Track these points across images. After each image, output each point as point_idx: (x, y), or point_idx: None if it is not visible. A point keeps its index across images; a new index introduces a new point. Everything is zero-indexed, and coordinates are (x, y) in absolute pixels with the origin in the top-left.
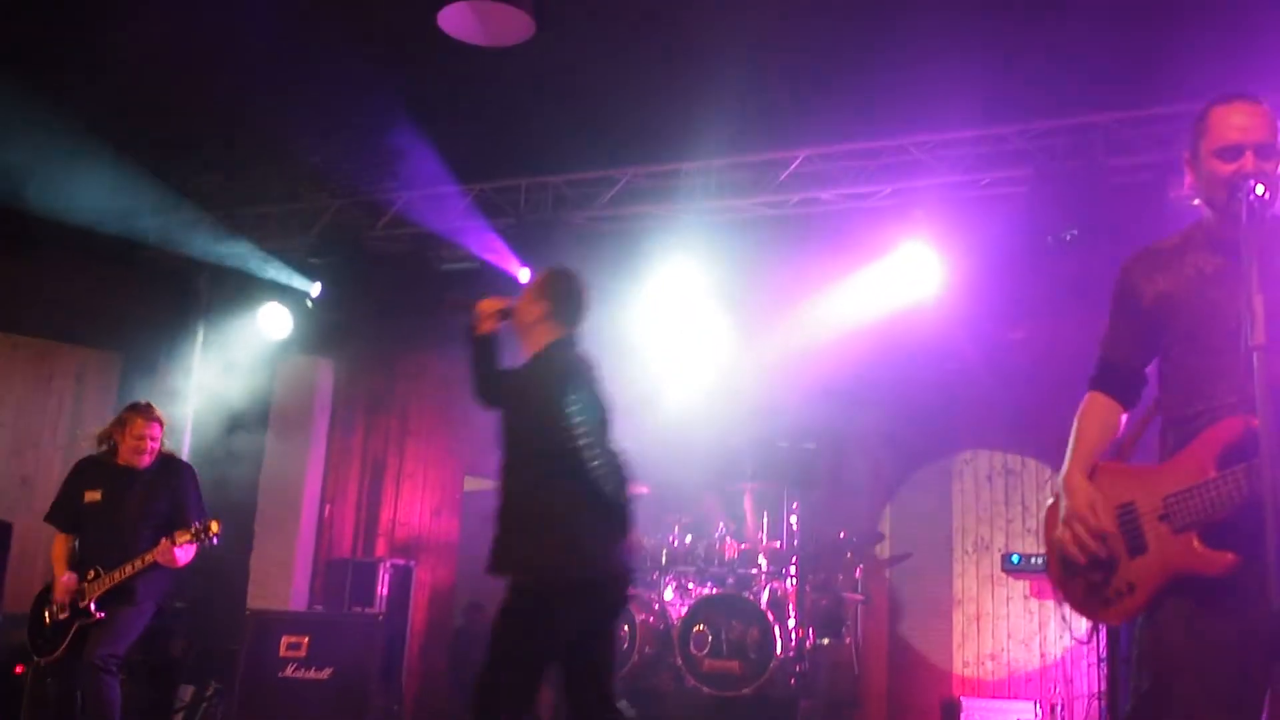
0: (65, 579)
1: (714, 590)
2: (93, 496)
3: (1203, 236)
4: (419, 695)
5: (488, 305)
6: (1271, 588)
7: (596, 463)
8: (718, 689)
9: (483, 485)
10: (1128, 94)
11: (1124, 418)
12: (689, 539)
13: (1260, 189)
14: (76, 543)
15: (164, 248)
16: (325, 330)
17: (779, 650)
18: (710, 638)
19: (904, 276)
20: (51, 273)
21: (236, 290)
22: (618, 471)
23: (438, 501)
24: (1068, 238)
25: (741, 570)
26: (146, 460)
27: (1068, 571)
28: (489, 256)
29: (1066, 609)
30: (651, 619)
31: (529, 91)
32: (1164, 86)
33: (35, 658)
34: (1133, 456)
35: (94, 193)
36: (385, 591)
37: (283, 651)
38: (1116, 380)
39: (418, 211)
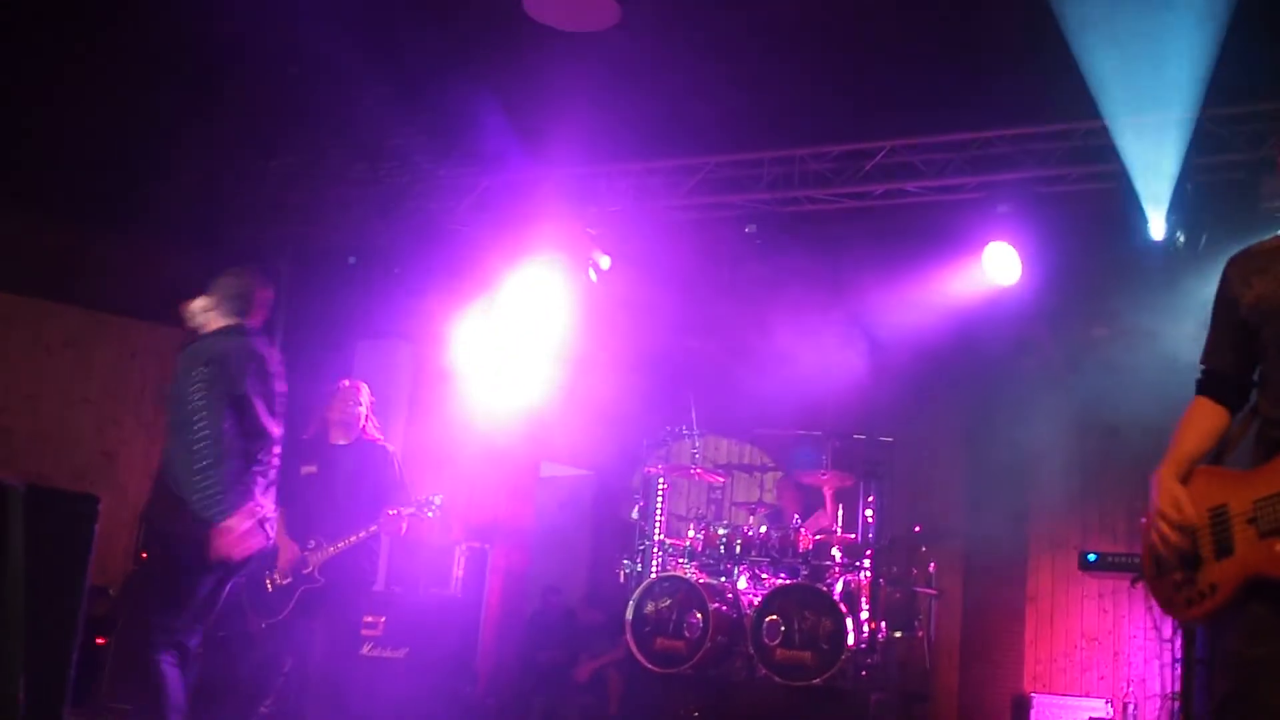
0: (292, 550)
1: (788, 580)
2: (308, 470)
3: None
4: (492, 676)
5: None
6: None
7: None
8: (789, 679)
9: (558, 471)
10: (1218, 90)
11: (1228, 421)
12: (764, 529)
13: None
14: (289, 514)
15: (248, 229)
16: (404, 312)
17: (851, 642)
18: (783, 628)
19: (987, 271)
20: (138, 251)
21: (319, 271)
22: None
23: (514, 486)
24: (1158, 238)
25: (815, 561)
26: (354, 433)
27: (1160, 571)
28: (570, 242)
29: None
30: (725, 608)
31: (610, 78)
32: (1256, 83)
33: (256, 620)
34: (1230, 461)
35: (180, 173)
36: (460, 574)
37: (361, 630)
38: (1219, 386)
39: (499, 196)
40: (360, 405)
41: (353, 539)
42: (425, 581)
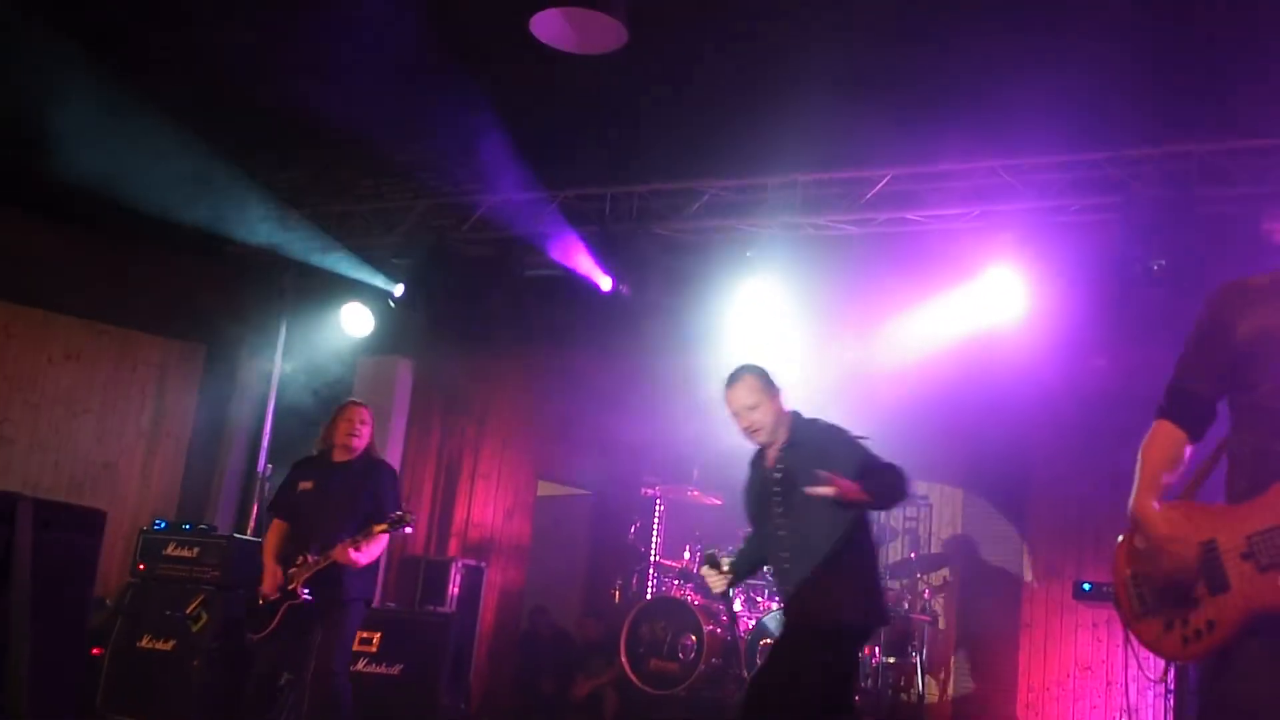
0: (269, 577)
1: (782, 604)
2: (305, 486)
3: None
4: (486, 695)
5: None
6: None
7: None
8: None
9: (557, 490)
10: (1224, 123)
11: (1189, 451)
12: None
13: None
14: (291, 530)
15: (250, 243)
16: (406, 330)
17: None
18: None
19: (988, 300)
20: (139, 264)
21: (320, 287)
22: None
23: (511, 504)
24: (1155, 268)
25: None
26: (355, 451)
27: (1143, 609)
28: (572, 264)
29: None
30: (720, 630)
31: (617, 100)
32: (1262, 118)
33: (249, 634)
34: (1198, 497)
35: (182, 187)
36: (456, 591)
37: (355, 645)
38: (1187, 410)
39: (503, 215)
40: (363, 425)
41: (332, 555)
42: (421, 598)
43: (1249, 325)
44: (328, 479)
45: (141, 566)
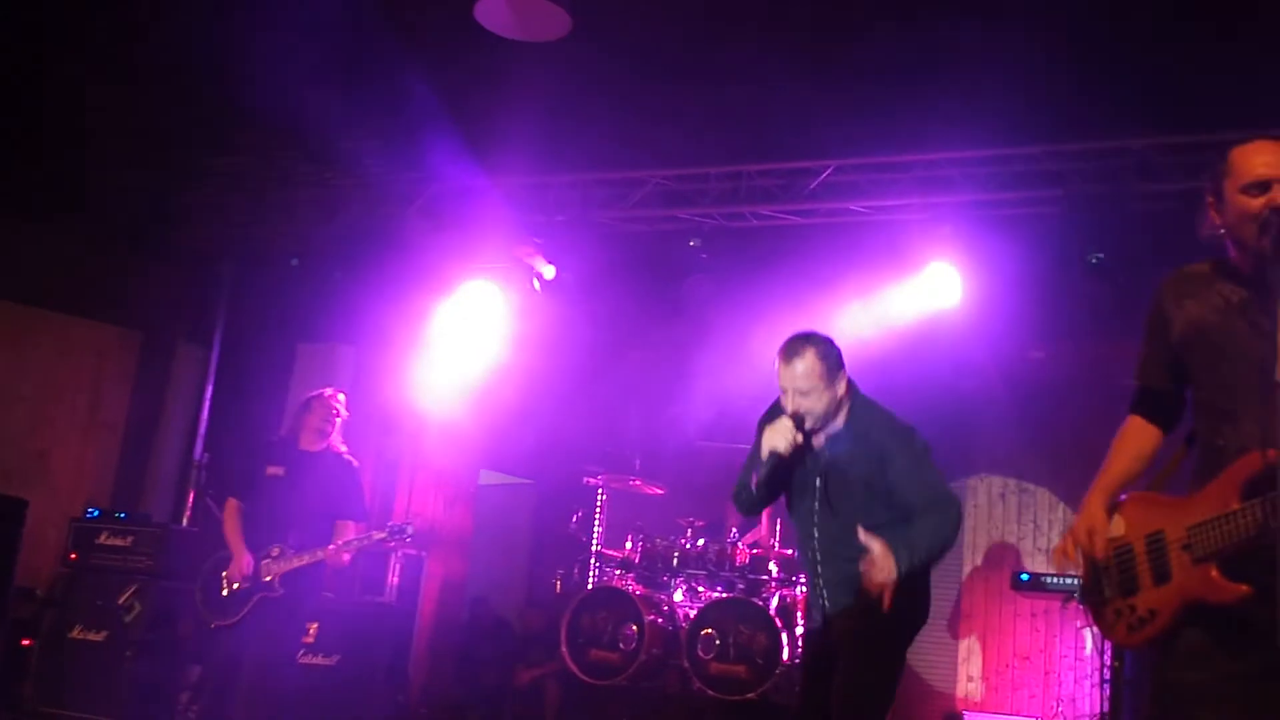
0: (245, 561)
1: (724, 594)
2: (275, 472)
3: (1232, 267)
4: (426, 685)
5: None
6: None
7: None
8: (723, 693)
9: (498, 479)
10: (1163, 120)
11: (1159, 442)
12: (701, 542)
13: None
14: (254, 514)
15: (187, 229)
16: (347, 317)
17: (785, 657)
18: (718, 641)
19: (929, 291)
20: (75, 250)
21: (260, 274)
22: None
23: (452, 493)
24: (1094, 261)
25: (752, 575)
26: (326, 442)
27: (1100, 596)
28: (515, 251)
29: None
30: (660, 620)
31: (560, 89)
32: (1200, 114)
33: (210, 622)
34: (1168, 488)
35: (121, 170)
36: (396, 581)
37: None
38: (1154, 405)
39: (446, 202)
40: (339, 415)
41: (311, 558)
42: (360, 588)
43: (1183, 317)
44: (299, 468)
45: (74, 556)
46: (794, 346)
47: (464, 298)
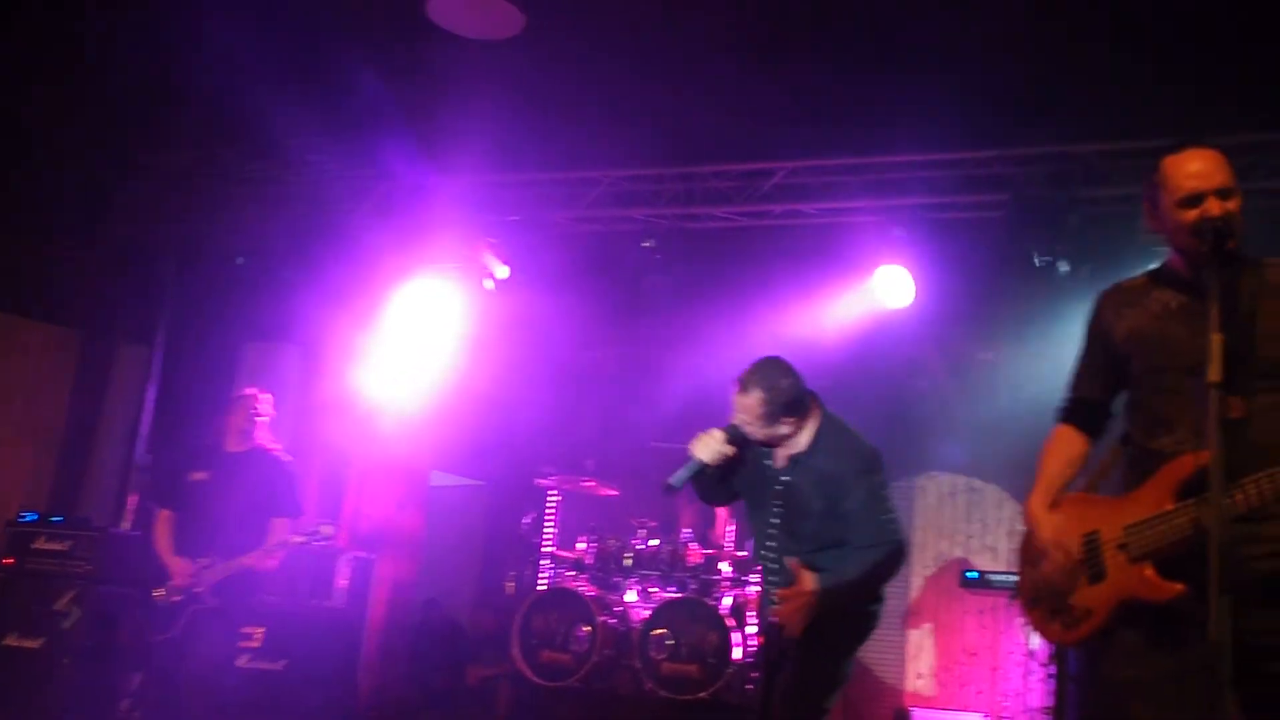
0: (179, 569)
1: (676, 594)
2: (198, 477)
3: (1169, 274)
4: (376, 688)
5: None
6: (1212, 619)
7: None
8: (675, 692)
9: (450, 480)
10: (1103, 126)
11: (1088, 449)
12: (654, 543)
13: (1224, 232)
14: (180, 521)
15: (131, 225)
16: (295, 315)
17: (737, 656)
18: (670, 641)
19: (880, 292)
20: (13, 245)
21: (203, 272)
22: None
23: (402, 494)
24: (1037, 263)
25: (705, 576)
26: (250, 441)
27: (1036, 597)
28: (468, 250)
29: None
30: (613, 621)
31: (513, 87)
32: (1139, 122)
33: (148, 637)
34: (1101, 489)
35: (61, 165)
36: (345, 584)
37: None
38: (1083, 414)
39: (398, 200)
40: (262, 414)
41: (244, 563)
42: (307, 592)
43: (1124, 327)
44: (223, 471)
45: (9, 561)
46: (747, 380)
47: (415, 297)
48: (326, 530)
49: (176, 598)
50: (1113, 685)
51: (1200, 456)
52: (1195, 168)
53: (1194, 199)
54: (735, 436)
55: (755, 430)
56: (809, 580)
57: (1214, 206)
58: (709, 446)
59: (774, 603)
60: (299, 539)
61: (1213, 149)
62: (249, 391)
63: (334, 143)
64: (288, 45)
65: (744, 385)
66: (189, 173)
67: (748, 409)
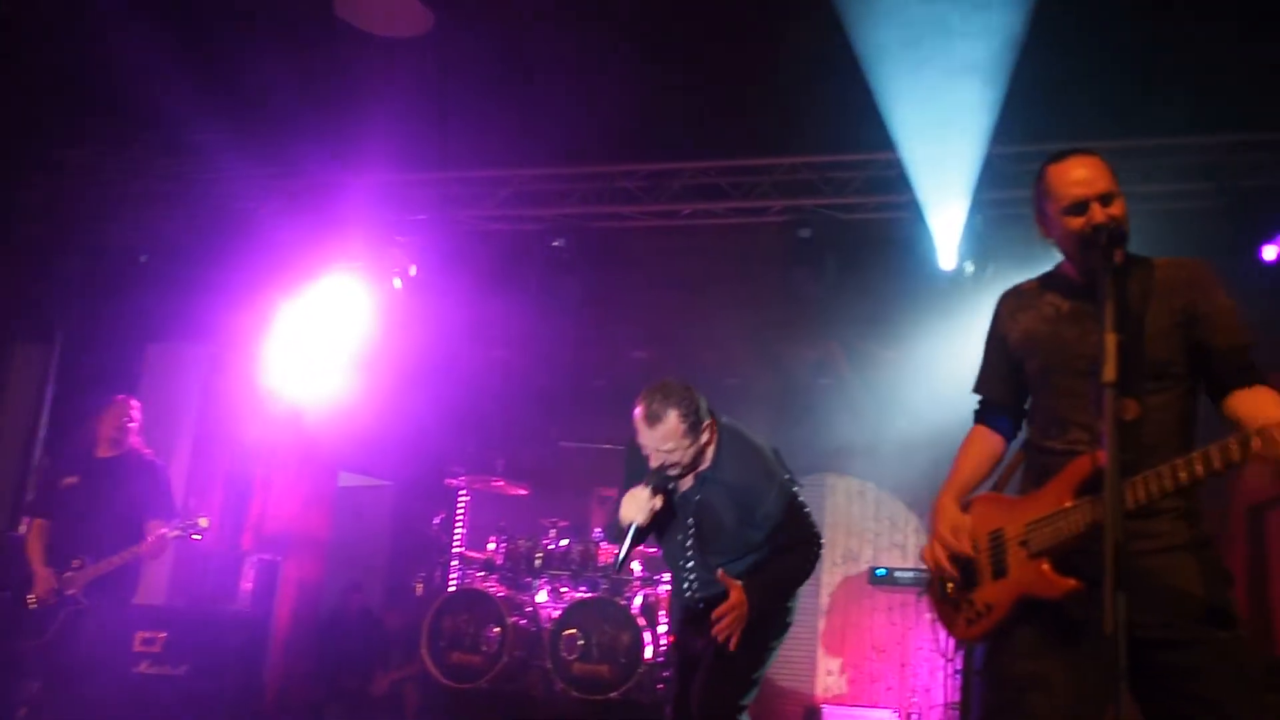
0: (42, 578)
1: (587, 594)
2: (70, 482)
3: (1060, 279)
4: (282, 692)
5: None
6: (1106, 613)
7: None
8: (586, 693)
9: (357, 481)
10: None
11: (1002, 449)
12: (565, 542)
13: (1115, 236)
14: (52, 528)
15: (30, 222)
16: (200, 315)
17: (648, 655)
18: (581, 641)
19: (786, 290)
20: None
21: (107, 270)
22: None
23: (309, 495)
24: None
25: (616, 575)
26: (122, 449)
27: (943, 592)
28: (376, 249)
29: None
30: (523, 621)
31: (423, 85)
32: (1040, 124)
33: (25, 641)
34: (1007, 490)
35: None
36: (250, 586)
37: (137, 646)
38: (995, 416)
39: (306, 198)
40: (132, 422)
41: (117, 560)
42: (210, 595)
43: (1018, 330)
44: (94, 475)
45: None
46: (654, 410)
47: (322, 296)
48: (202, 522)
49: (49, 600)
50: (1011, 679)
51: (1100, 456)
52: (1078, 175)
53: (1079, 206)
54: (658, 484)
55: (680, 455)
56: (738, 591)
57: (1098, 213)
58: (639, 506)
59: (692, 612)
60: (174, 533)
61: (1093, 155)
62: (120, 398)
63: (241, 140)
64: (193, 41)
65: (655, 415)
66: (92, 170)
67: (669, 434)
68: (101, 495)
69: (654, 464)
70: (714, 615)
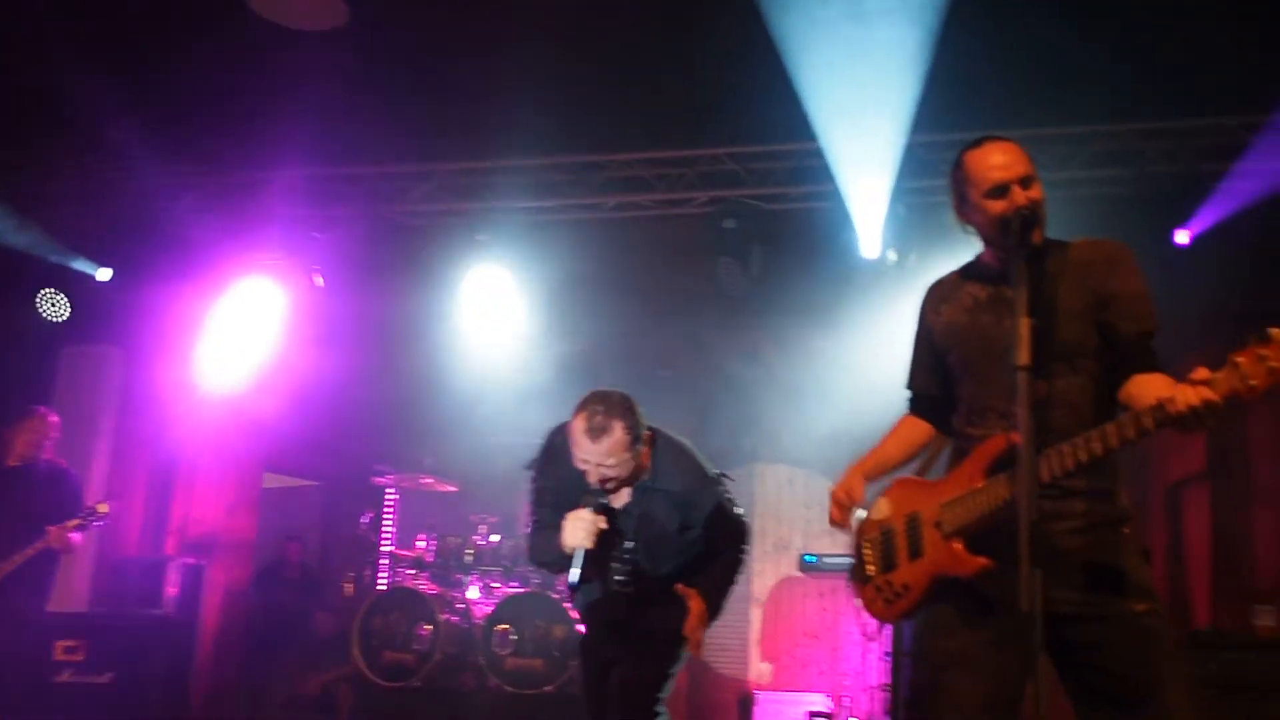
0: None
1: (519, 589)
2: None
3: (979, 268)
4: (209, 697)
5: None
6: (1023, 591)
7: None
8: (520, 687)
9: (283, 481)
10: (926, 117)
11: (929, 437)
12: (496, 538)
13: (1030, 219)
14: None
15: None
16: (116, 317)
17: None
18: (514, 636)
19: (716, 281)
20: None
21: (14, 272)
22: None
23: (234, 498)
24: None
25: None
26: (37, 458)
27: (862, 576)
28: (295, 246)
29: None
30: (455, 619)
31: (340, 79)
32: (959, 113)
33: None
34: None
35: None
36: (174, 592)
37: (58, 655)
38: (925, 407)
39: (223, 195)
40: (48, 439)
41: (18, 559)
42: (134, 602)
43: (941, 322)
44: (5, 483)
45: None
46: (598, 423)
47: (241, 295)
48: (102, 509)
49: None
50: (932, 657)
51: (1013, 436)
52: (997, 160)
53: (999, 189)
54: (600, 506)
55: (621, 470)
56: (698, 600)
57: (1019, 195)
58: (585, 530)
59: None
60: (75, 522)
61: (1009, 140)
62: (40, 411)
63: (155, 137)
64: (108, 35)
65: (599, 428)
66: (3, 168)
67: (614, 448)
68: (11, 501)
69: (593, 480)
70: (685, 631)
